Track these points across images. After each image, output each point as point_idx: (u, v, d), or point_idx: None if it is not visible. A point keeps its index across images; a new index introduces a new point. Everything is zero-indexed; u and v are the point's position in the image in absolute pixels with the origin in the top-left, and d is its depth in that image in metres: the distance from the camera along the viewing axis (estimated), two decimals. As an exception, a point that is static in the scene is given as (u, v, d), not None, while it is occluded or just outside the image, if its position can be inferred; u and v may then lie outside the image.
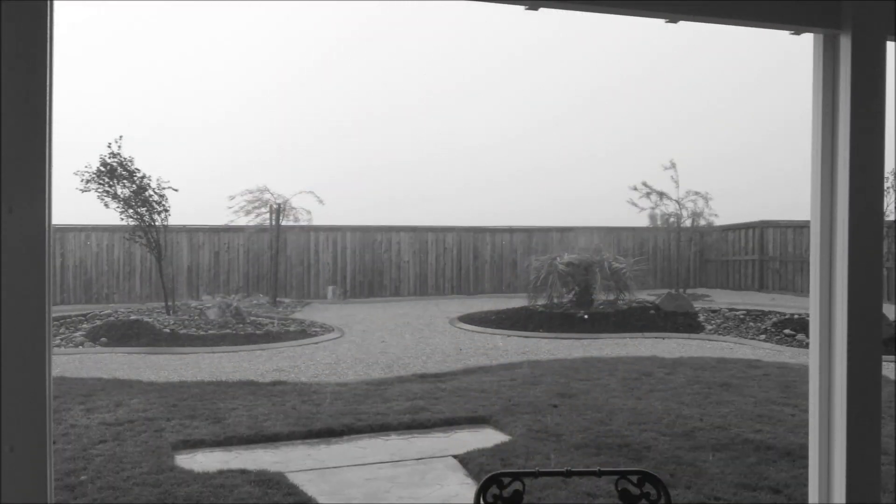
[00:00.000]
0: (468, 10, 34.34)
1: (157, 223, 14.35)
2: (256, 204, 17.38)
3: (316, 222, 18.16)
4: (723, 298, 17.38)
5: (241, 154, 22.01)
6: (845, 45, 1.80)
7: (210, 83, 21.78)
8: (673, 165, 17.14)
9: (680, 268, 19.12)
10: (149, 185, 14.11)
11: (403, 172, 23.02)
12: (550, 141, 23.95)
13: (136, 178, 13.96)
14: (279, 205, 17.45)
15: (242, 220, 17.59)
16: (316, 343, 11.95)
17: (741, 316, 13.64)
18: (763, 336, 12.21)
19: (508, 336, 12.62)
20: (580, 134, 24.40)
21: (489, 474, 1.80)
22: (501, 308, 14.96)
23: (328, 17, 23.73)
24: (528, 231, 20.16)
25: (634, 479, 1.81)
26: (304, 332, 12.93)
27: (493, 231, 20.03)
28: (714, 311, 14.22)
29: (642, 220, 18.02)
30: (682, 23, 1.81)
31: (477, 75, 23.61)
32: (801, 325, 12.34)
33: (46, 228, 1.45)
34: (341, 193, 21.47)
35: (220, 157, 22.09)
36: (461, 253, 19.76)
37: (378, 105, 22.84)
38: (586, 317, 13.58)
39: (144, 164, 14.17)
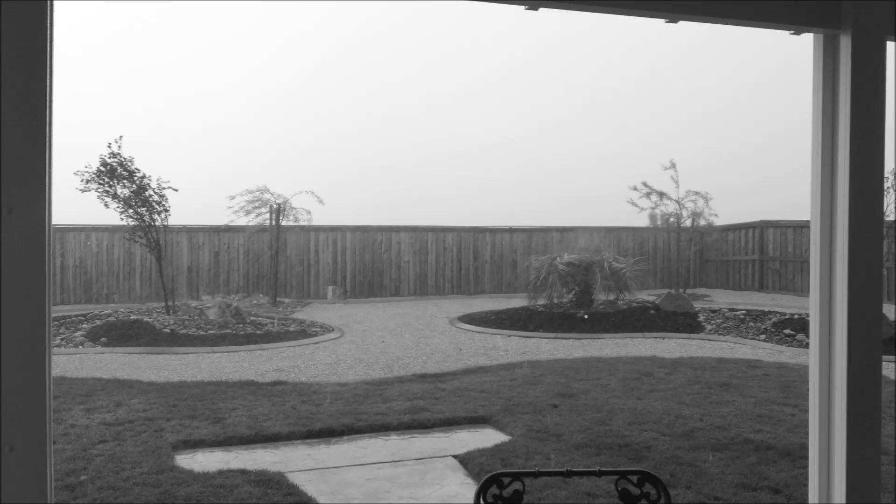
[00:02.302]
0: (468, 10, 34.32)
1: (157, 223, 14.36)
2: (256, 204, 17.38)
3: (316, 222, 18.16)
4: (723, 298, 17.38)
5: (241, 154, 22.02)
6: (845, 44, 1.80)
7: (210, 83, 21.78)
8: (673, 165, 17.14)
9: (680, 268, 19.12)
10: (149, 185, 14.11)
11: (403, 172, 23.02)
12: (550, 141, 23.96)
13: (135, 178, 13.96)
14: (279, 205, 17.45)
15: (242, 220, 17.60)
16: (316, 343, 11.96)
17: (741, 316, 13.64)
18: (763, 336, 12.21)
19: (508, 336, 12.62)
20: (580, 134, 24.41)
21: (489, 474, 1.80)
22: (501, 308, 14.96)
23: (328, 18, 23.73)
24: (528, 231, 20.16)
25: (634, 478, 1.81)
26: (303, 332, 12.93)
27: (493, 231, 20.03)
28: (714, 311, 14.22)
29: (642, 220, 18.02)
30: (682, 23, 1.81)
31: (477, 75, 23.62)
32: (801, 324, 12.34)
33: (46, 228, 1.45)
34: (341, 193, 21.48)
35: (220, 156, 22.10)
36: (461, 253, 19.77)
37: (378, 105, 22.86)
38: (586, 317, 13.58)
39: (144, 164, 14.22)
